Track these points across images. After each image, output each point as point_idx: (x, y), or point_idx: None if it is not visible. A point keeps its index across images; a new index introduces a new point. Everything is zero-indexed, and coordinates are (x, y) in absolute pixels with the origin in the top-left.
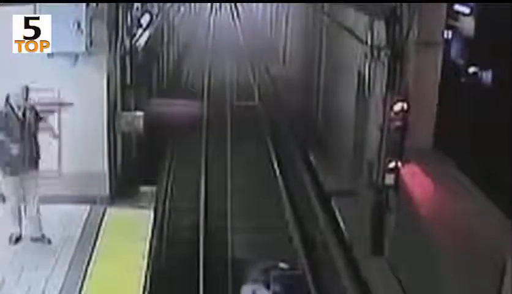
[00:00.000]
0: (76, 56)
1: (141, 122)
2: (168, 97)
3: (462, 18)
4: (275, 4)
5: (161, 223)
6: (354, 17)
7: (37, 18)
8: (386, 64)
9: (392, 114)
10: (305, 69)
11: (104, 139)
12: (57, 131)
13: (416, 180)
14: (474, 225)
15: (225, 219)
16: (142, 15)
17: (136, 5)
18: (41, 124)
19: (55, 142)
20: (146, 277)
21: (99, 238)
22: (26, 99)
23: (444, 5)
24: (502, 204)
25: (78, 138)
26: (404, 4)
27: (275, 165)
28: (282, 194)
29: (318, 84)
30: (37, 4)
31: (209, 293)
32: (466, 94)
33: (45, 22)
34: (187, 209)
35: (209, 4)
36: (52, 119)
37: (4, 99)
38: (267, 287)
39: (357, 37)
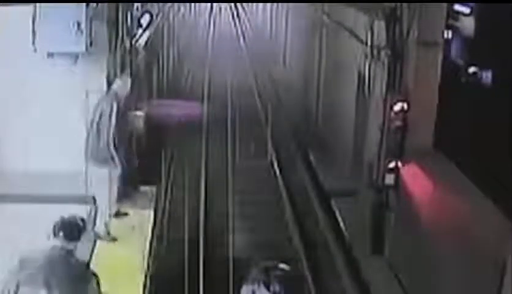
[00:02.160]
0: (76, 56)
1: (142, 122)
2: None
3: (462, 18)
4: (275, 4)
5: (161, 223)
6: (354, 17)
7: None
8: (386, 64)
9: (392, 114)
10: (307, 71)
11: None
12: None
13: (416, 180)
14: (474, 225)
15: (225, 219)
16: (142, 15)
17: (136, 5)
18: None
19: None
20: (146, 276)
21: None
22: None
23: (444, 5)
24: (502, 204)
25: (78, 138)
26: (404, 4)
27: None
28: (282, 194)
29: (318, 85)
30: (37, 4)
31: (209, 292)
32: (466, 94)
33: (44, 22)
34: (187, 209)
35: (208, 7)
36: None
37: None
38: (267, 287)
39: (357, 37)
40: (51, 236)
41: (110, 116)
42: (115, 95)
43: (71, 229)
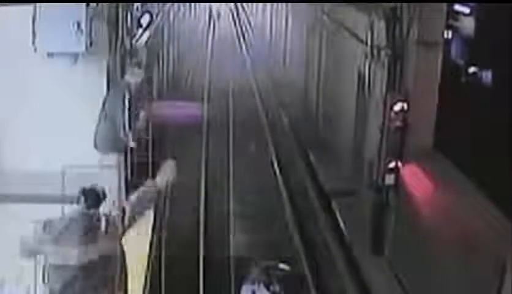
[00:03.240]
0: (76, 56)
1: (142, 123)
2: None
3: (462, 18)
4: (275, 4)
5: (161, 223)
6: (354, 17)
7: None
8: (386, 64)
9: (392, 114)
10: (308, 71)
11: None
12: None
13: (416, 180)
14: (474, 225)
15: (225, 218)
16: (142, 15)
17: (136, 5)
18: None
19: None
20: (146, 276)
21: None
22: None
23: (444, 5)
24: (502, 204)
25: (78, 138)
26: (404, 4)
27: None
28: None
29: (318, 85)
30: (37, 4)
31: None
32: (466, 94)
33: (44, 22)
34: (187, 208)
35: (207, 7)
36: None
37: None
38: (268, 287)
39: (357, 37)
40: (74, 203)
41: (123, 104)
42: (127, 85)
43: (92, 197)
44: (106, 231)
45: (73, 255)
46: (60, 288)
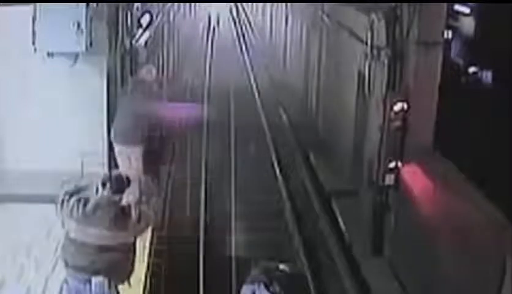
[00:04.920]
0: (76, 56)
1: None
2: None
3: (462, 18)
4: (275, 4)
5: (162, 223)
6: (354, 17)
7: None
8: (386, 64)
9: (392, 114)
10: (307, 71)
11: (104, 140)
12: None
13: (416, 180)
14: (474, 225)
15: (226, 218)
16: (142, 15)
17: (136, 5)
18: None
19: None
20: (146, 276)
21: None
22: None
23: (444, 5)
24: (502, 204)
25: (78, 137)
26: (404, 4)
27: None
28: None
29: (318, 85)
30: (37, 4)
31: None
32: (466, 93)
33: (44, 22)
34: (187, 208)
35: (207, 8)
36: None
37: None
38: (268, 287)
39: (357, 37)
40: (100, 187)
41: (139, 99)
42: (142, 82)
43: (117, 183)
44: (127, 219)
45: (94, 235)
46: (75, 262)
